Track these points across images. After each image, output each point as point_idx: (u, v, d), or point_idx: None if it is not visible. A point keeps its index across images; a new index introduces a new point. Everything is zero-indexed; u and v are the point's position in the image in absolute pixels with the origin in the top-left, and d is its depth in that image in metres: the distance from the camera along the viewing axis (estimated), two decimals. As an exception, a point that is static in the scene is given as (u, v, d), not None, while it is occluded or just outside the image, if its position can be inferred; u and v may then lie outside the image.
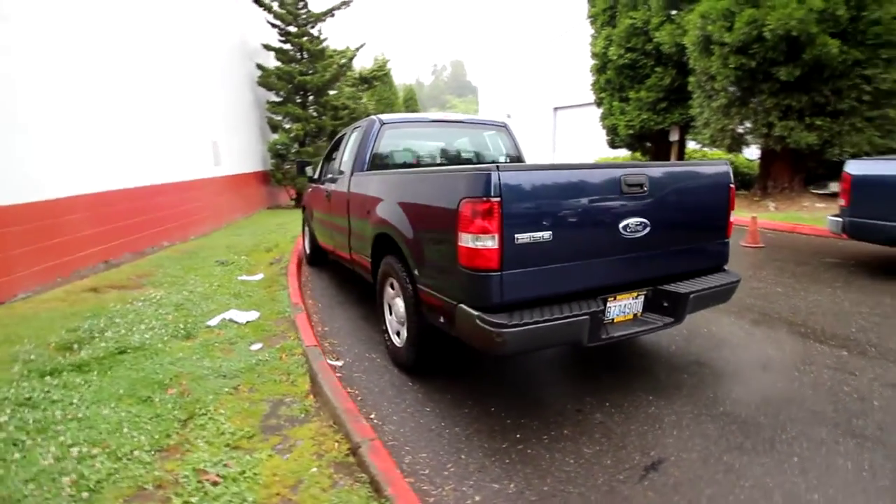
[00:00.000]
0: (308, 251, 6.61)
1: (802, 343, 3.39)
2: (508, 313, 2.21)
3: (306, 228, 6.60)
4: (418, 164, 4.39)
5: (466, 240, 2.23)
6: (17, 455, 2.15)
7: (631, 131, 11.30)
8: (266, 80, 11.88)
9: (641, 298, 2.67)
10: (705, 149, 12.49)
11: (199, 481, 2.02)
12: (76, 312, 4.14)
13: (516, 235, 2.19)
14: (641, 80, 11.02)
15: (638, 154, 13.03)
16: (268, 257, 7.02)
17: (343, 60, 12.59)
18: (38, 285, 5.02)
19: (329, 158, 5.64)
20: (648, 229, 2.55)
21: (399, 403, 2.77)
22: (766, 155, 9.74)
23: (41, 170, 5.30)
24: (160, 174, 7.57)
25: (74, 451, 2.19)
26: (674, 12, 10.00)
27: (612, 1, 11.33)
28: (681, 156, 12.30)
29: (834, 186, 9.93)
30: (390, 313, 3.39)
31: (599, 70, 12.00)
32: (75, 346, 3.39)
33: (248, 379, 3.03)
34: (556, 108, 24.96)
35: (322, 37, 12.85)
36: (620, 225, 2.47)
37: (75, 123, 5.88)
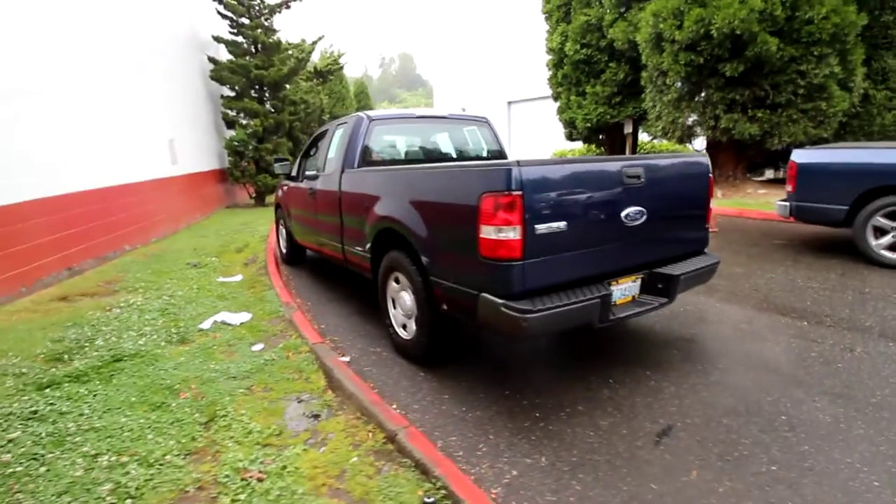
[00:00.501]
0: (284, 250, 6.51)
1: (768, 317, 3.77)
2: (530, 300, 2.36)
3: (281, 227, 6.49)
4: (408, 160, 4.45)
5: (489, 232, 2.35)
6: (41, 469, 2.08)
7: (588, 124, 11.76)
8: (219, 73, 11.41)
9: (639, 281, 2.90)
10: (655, 140, 13.21)
11: (242, 479, 2.05)
12: (54, 322, 3.92)
13: (536, 226, 2.34)
14: (597, 75, 11.48)
15: (593, 147, 13.57)
16: (240, 258, 6.85)
17: (301, 54, 12.28)
18: (1, 297, 4.68)
19: (307, 155, 5.58)
20: (645, 217, 2.77)
21: (416, 393, 2.86)
22: (713, 145, 10.43)
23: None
24: (117, 175, 7.17)
25: (102, 460, 2.14)
26: (624, 10, 10.47)
27: (566, -3, 11.71)
28: (634, 148, 12.93)
29: (769, 174, 10.82)
30: (394, 307, 3.46)
31: (556, 65, 12.38)
32: (66, 356, 3.24)
33: (260, 379, 3.02)
34: (510, 102, 25.40)
35: (276, 28, 12.46)
36: (622, 214, 2.68)
37: (26, 124, 5.47)
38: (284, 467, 2.13)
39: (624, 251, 2.78)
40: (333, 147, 4.64)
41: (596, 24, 10.94)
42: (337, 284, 5.26)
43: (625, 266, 2.82)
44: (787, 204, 5.58)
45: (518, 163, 2.29)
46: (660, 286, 2.93)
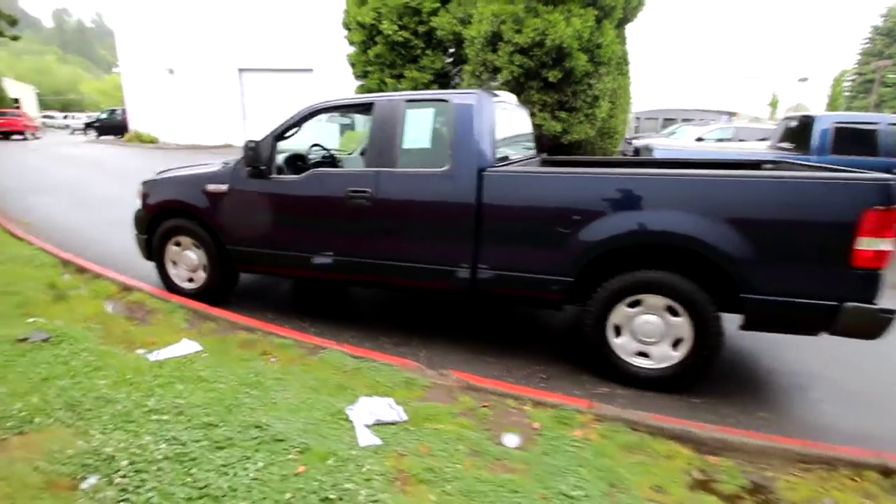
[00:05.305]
0: (195, 285, 4.33)
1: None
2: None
3: (187, 252, 4.26)
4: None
5: (871, 243, 2.52)
6: None
7: (408, 109, 11.74)
8: None
9: None
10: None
11: None
12: None
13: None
14: (413, 60, 11.49)
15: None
16: (90, 310, 4.15)
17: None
18: None
19: (280, 138, 3.88)
20: None
21: (736, 423, 2.72)
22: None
23: None
24: None
25: None
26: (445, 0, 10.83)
27: (376, -30, 11.11)
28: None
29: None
30: (618, 336, 3.09)
31: (364, 42, 11.67)
32: None
33: (624, 477, 2.24)
34: (241, 70, 22.17)
35: None
36: None
37: None
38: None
39: None
40: (415, 134, 3.50)
41: (414, 9, 10.87)
42: (334, 319, 4.15)
43: None
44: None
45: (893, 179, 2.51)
46: None
